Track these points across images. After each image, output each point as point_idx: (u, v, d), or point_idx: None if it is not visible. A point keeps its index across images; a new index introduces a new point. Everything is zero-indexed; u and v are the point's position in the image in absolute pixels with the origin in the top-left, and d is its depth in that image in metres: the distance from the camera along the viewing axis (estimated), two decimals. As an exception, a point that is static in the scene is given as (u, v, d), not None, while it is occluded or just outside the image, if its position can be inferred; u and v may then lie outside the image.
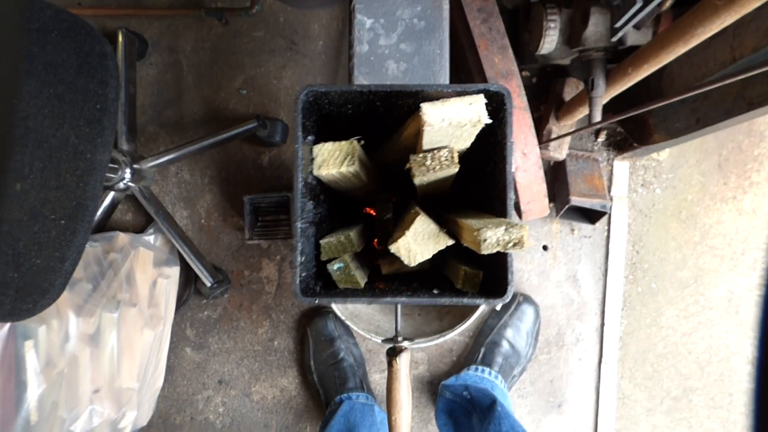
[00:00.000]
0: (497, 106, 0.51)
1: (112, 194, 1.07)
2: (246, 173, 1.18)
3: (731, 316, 1.18)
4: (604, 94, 0.87)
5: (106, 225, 1.11)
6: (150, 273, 1.01)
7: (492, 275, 0.54)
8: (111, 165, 0.97)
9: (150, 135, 1.19)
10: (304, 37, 1.19)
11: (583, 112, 0.98)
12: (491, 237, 0.43)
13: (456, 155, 0.49)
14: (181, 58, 1.19)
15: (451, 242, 0.50)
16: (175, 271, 1.10)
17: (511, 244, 0.43)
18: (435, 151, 0.49)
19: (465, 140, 0.50)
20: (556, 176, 1.15)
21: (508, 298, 0.50)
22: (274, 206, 1.13)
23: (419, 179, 0.51)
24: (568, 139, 1.11)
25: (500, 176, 0.52)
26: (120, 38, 1.07)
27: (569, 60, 1.02)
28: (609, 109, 0.99)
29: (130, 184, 1.02)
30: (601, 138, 1.18)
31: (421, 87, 0.51)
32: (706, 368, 1.18)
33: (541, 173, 0.96)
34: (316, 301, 0.52)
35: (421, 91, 0.51)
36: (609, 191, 1.18)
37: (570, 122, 1.06)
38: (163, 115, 1.19)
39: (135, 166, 1.02)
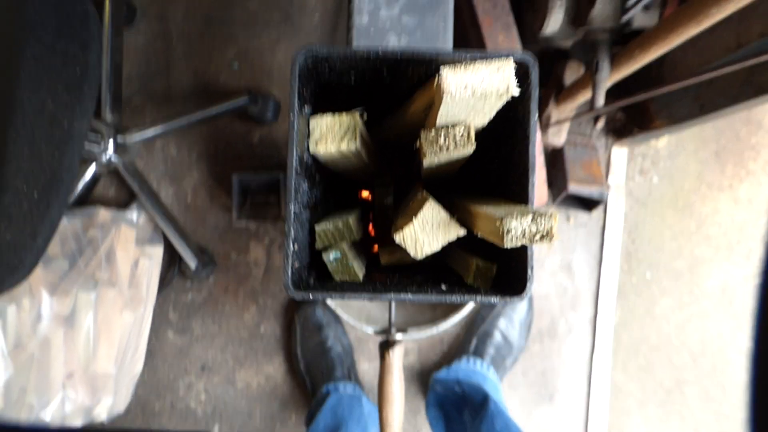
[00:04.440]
0: (521, 77, 0.46)
1: (93, 167, 1.01)
2: (236, 151, 1.13)
3: (725, 307, 1.17)
4: (609, 78, 0.84)
5: (86, 200, 1.06)
6: (132, 252, 0.97)
7: (507, 269, 0.49)
8: (93, 136, 0.92)
9: (136, 107, 1.13)
10: (299, 9, 1.14)
11: (584, 96, 0.96)
12: (516, 228, 0.38)
13: (473, 133, 0.44)
14: (171, 27, 1.14)
15: (463, 232, 0.45)
16: (158, 251, 1.05)
17: (538, 236, 0.38)
18: (449, 128, 0.44)
19: (484, 115, 0.44)
20: (553, 163, 1.12)
21: (526, 296, 0.45)
22: (264, 186, 1.09)
23: (429, 160, 0.46)
24: (567, 124, 1.08)
25: (520, 158, 0.47)
26: (107, 3, 1.01)
27: (571, 43, 0.99)
28: (609, 95, 0.97)
29: (113, 157, 0.97)
30: (600, 124, 1.15)
31: (437, 53, 0.45)
32: (699, 360, 1.17)
33: (541, 158, 0.94)
34: (310, 296, 0.46)
35: (436, 57, 0.45)
36: (606, 179, 1.16)
37: (570, 107, 1.03)
38: (150, 87, 1.13)
39: (119, 138, 0.97)
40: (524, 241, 0.38)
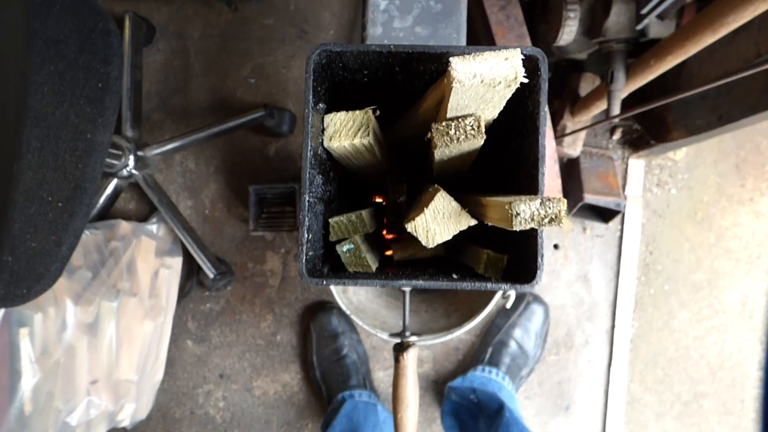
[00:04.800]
0: (530, 71, 0.46)
1: (115, 181, 1.04)
2: (252, 163, 1.16)
3: (745, 321, 1.15)
4: (624, 88, 0.84)
5: (108, 213, 1.09)
6: (152, 263, 0.99)
7: (518, 260, 0.49)
8: (114, 151, 0.95)
9: (155, 122, 1.16)
10: (314, 26, 1.16)
11: (599, 107, 0.96)
12: (525, 211, 0.38)
13: (483, 124, 0.45)
14: (188, 44, 1.17)
15: (473, 222, 0.46)
16: (177, 262, 1.07)
17: (547, 220, 0.38)
18: (460, 120, 0.45)
19: (494, 106, 0.45)
20: (569, 173, 1.12)
21: (537, 283, 0.45)
22: (279, 197, 1.11)
23: (441, 151, 0.46)
24: (582, 135, 1.08)
25: (530, 150, 0.48)
26: (127, 22, 1.05)
27: (586, 54, 0.99)
28: (625, 107, 0.96)
29: (133, 171, 1.00)
30: (617, 135, 1.15)
31: (447, 48, 0.46)
32: (717, 373, 1.15)
33: (557, 168, 0.94)
34: (324, 283, 0.47)
35: (446, 53, 0.46)
36: (623, 190, 1.15)
37: (585, 118, 1.03)
38: (169, 103, 1.16)
39: (139, 153, 1.00)
40: (533, 224, 0.39)
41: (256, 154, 1.16)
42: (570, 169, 1.12)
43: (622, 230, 1.15)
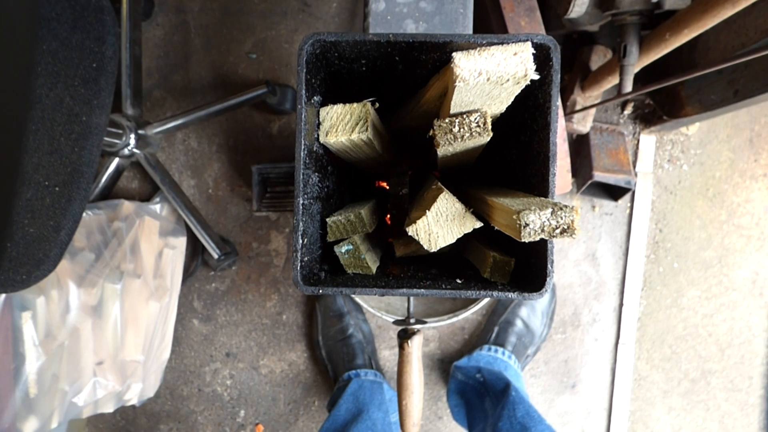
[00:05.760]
0: (541, 62, 0.43)
1: (116, 161, 1.03)
2: (255, 142, 1.14)
3: (755, 298, 1.13)
4: (637, 63, 0.81)
5: (111, 193, 1.07)
6: (156, 243, 0.98)
7: (525, 263, 0.47)
8: (115, 130, 0.93)
9: (156, 100, 1.14)
10: (316, -2, 1.13)
11: (611, 82, 0.93)
12: (534, 221, 0.35)
13: (489, 121, 0.42)
14: (188, 18, 1.14)
15: (479, 225, 0.43)
16: (181, 242, 1.07)
17: (558, 231, 0.36)
18: (464, 116, 0.42)
19: (501, 102, 0.42)
20: (578, 150, 1.10)
21: (545, 292, 0.43)
22: (283, 177, 1.09)
23: (444, 149, 0.44)
24: (592, 111, 1.05)
25: (541, 147, 0.45)
26: (124, -4, 1.02)
27: (598, 26, 0.95)
28: (637, 80, 0.92)
29: (135, 150, 0.98)
30: (628, 110, 1.11)
31: (450, 37, 0.42)
32: (726, 350, 1.14)
33: (565, 146, 0.91)
34: (320, 291, 0.45)
35: (449, 42, 0.43)
36: (634, 166, 1.12)
37: (596, 93, 1.00)
38: (169, 79, 1.14)
39: (140, 131, 0.98)
40: (543, 236, 0.37)
41: (259, 132, 1.14)
42: (579, 146, 1.09)
43: (631, 208, 1.13)
